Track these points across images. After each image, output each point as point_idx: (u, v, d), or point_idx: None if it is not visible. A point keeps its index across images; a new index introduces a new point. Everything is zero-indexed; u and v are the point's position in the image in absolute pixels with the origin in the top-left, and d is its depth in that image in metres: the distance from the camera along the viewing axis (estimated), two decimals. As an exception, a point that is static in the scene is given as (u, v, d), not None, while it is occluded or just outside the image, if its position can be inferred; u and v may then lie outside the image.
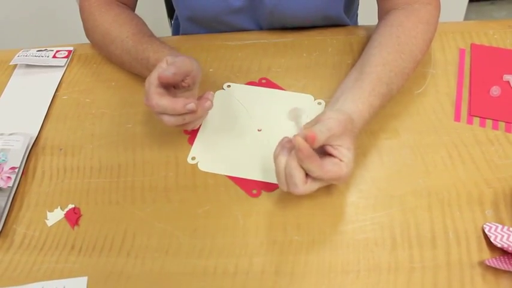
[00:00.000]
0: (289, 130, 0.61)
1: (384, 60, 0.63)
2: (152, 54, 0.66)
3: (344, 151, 0.53)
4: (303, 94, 0.70)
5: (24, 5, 1.56)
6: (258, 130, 0.65)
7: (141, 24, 0.74)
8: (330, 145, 0.53)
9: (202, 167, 0.63)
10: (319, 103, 0.69)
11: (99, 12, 0.74)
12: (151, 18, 0.78)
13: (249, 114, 0.68)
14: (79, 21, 0.80)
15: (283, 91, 0.71)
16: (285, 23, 0.80)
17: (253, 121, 0.65)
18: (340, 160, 0.53)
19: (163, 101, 0.57)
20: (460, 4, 1.62)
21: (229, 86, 0.72)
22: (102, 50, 0.78)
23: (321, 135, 0.51)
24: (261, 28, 0.82)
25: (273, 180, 0.59)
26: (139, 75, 0.73)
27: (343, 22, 0.82)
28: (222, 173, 0.62)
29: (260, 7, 0.77)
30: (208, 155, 0.64)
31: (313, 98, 0.69)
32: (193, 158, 0.64)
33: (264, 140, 0.64)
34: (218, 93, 0.71)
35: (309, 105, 0.68)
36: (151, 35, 0.72)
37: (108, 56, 0.77)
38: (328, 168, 0.52)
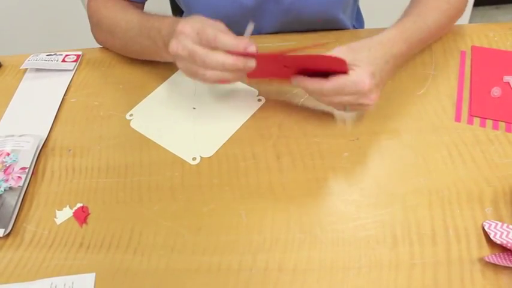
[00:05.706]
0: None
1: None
2: (157, 22, 0.68)
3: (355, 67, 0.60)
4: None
5: (34, 12, 1.59)
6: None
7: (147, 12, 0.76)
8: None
9: (134, 125, 0.71)
10: (259, 100, 0.72)
11: (105, 8, 0.77)
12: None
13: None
14: (87, 27, 0.82)
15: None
16: (296, 23, 0.81)
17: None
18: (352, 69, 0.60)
19: (225, 38, 0.58)
20: (464, 8, 1.63)
21: None
22: (107, 40, 0.79)
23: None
24: (267, 33, 0.83)
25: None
26: (142, 68, 0.74)
27: (342, 23, 0.85)
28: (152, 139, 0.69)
29: (274, 6, 0.78)
30: (146, 119, 0.72)
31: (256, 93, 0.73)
32: (130, 115, 0.72)
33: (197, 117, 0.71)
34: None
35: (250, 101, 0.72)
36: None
37: (112, 43, 0.79)
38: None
